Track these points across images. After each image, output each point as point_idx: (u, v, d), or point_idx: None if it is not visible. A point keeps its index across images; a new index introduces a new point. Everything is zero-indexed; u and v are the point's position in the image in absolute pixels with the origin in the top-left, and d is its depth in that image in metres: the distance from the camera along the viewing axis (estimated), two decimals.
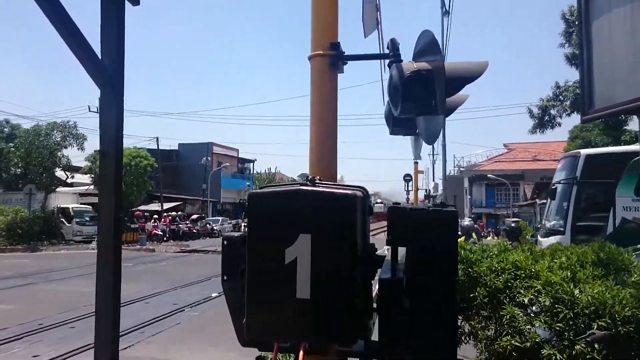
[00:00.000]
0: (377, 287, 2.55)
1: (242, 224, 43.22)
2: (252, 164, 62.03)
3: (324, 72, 3.03)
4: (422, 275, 1.61)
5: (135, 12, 2.36)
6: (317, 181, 2.35)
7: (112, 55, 2.20)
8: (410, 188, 25.93)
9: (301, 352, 2.61)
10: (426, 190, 31.37)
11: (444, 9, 20.66)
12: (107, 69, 2.17)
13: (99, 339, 2.14)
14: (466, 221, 11.23)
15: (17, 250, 23.54)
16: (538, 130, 16.06)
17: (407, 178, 28.02)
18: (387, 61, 3.36)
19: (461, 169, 44.80)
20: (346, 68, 3.16)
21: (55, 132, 28.93)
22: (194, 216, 37.62)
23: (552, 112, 16.34)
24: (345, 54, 3.04)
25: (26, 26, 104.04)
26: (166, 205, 38.29)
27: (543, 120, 15.99)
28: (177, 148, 50.73)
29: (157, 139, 40.05)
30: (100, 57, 2.15)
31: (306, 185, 2.30)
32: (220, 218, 41.08)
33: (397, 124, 3.24)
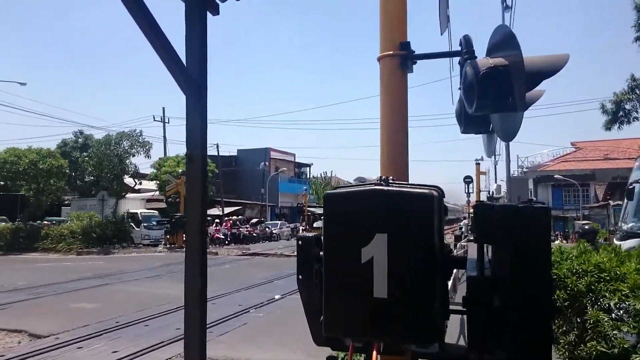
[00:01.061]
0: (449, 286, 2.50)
1: (300, 228, 43.75)
2: (308, 168, 62.70)
3: (394, 72, 3.03)
4: (515, 273, 1.57)
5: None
6: (390, 181, 2.35)
7: (196, 62, 2.32)
8: (471, 190, 25.21)
9: (374, 353, 2.62)
10: (488, 192, 30.38)
11: (504, 4, 20.01)
12: (192, 76, 2.28)
13: (189, 339, 2.24)
14: None
15: (92, 253, 25.05)
16: (613, 127, 15.11)
17: (467, 180, 27.29)
18: (456, 59, 3.32)
19: (524, 169, 43.02)
20: None
21: (124, 141, 30.62)
22: (254, 220, 38.47)
23: (627, 106, 15.33)
24: (415, 53, 3.04)
25: (96, 46, 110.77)
26: (226, 210, 39.42)
27: (617, 116, 15.04)
28: (236, 154, 52.22)
29: (217, 145, 41.38)
30: (185, 65, 2.27)
31: (381, 185, 2.31)
32: (279, 222, 41.78)
33: (470, 122, 3.18)
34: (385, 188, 2.29)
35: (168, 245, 27.62)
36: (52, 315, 9.67)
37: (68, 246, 25.70)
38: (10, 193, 30.67)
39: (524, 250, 1.58)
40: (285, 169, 51.12)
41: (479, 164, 26.31)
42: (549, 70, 2.54)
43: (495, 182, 35.99)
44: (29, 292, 12.36)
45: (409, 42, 3.03)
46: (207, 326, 8.14)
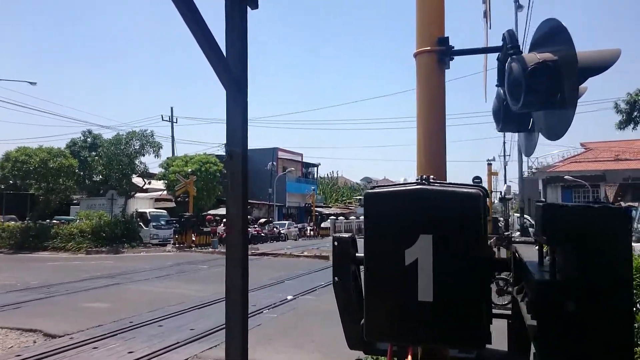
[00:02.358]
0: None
1: (308, 228, 43.68)
2: (315, 168, 62.61)
3: (432, 69, 2.94)
4: (595, 277, 1.48)
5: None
6: (431, 180, 2.27)
7: (236, 57, 2.24)
8: None
9: (409, 357, 2.54)
10: (501, 193, 30.21)
11: (517, 3, 19.83)
12: (233, 71, 2.21)
13: (230, 340, 2.17)
14: None
15: (101, 252, 25.11)
16: (627, 127, 14.95)
17: (476, 180, 27.10)
18: (494, 55, 3.23)
19: (533, 170, 42.72)
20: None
21: (134, 140, 30.68)
22: (262, 220, 38.46)
23: None
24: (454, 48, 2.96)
25: (106, 47, 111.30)
26: None
27: (632, 116, 14.88)
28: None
29: (226, 145, 41.37)
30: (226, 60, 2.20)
31: (424, 184, 2.23)
32: (287, 222, 41.74)
33: (509, 120, 3.08)
34: (430, 187, 2.21)
35: (177, 245, 27.64)
36: (65, 314, 9.65)
37: (77, 245, 25.76)
38: (19, 192, 30.82)
39: (604, 253, 1.49)
40: (292, 169, 51.09)
41: (490, 164, 26.11)
42: (600, 66, 2.44)
43: (505, 182, 35.78)
44: (41, 291, 12.36)
45: (447, 37, 2.95)
46: (223, 326, 8.08)
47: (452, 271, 2.08)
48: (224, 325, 7.49)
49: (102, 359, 6.78)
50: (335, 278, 2.57)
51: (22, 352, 7.03)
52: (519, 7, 19.34)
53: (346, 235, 2.60)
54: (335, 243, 2.58)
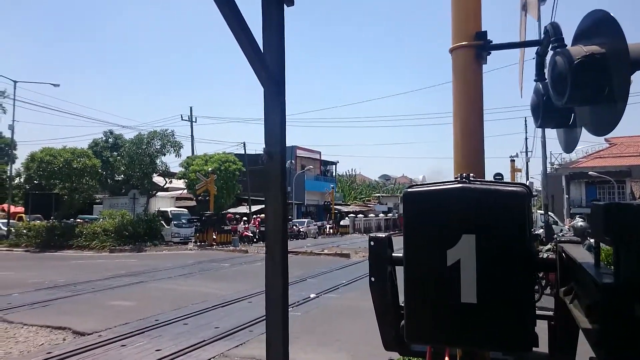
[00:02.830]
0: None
1: (327, 225, 43.68)
2: (334, 166, 62.53)
3: (469, 64, 2.86)
4: None
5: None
6: (471, 179, 2.21)
7: (274, 56, 2.20)
8: None
9: (447, 359, 2.48)
10: None
11: None
12: (271, 70, 2.17)
13: (270, 343, 2.13)
14: (579, 222, 10.38)
15: (124, 251, 25.50)
16: None
17: (497, 177, 26.71)
18: (531, 50, 3.14)
19: (556, 166, 41.97)
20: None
21: (155, 140, 31.05)
22: None
23: None
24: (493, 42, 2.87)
25: (126, 50, 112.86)
26: (254, 208, 39.65)
27: None
28: (262, 152, 52.35)
29: (244, 144, 41.69)
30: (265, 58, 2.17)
31: (465, 182, 2.17)
32: (306, 220, 41.80)
33: (549, 116, 2.98)
34: (473, 186, 2.14)
35: (199, 243, 27.90)
36: (92, 312, 9.80)
37: (101, 244, 26.22)
38: (45, 192, 31.47)
39: None
40: (311, 167, 51.13)
41: (513, 160, 25.68)
42: None
43: (527, 179, 35.19)
44: (68, 289, 12.59)
45: (485, 31, 2.87)
46: (247, 324, 8.08)
47: (497, 272, 2.02)
48: (248, 324, 7.43)
49: (131, 356, 6.85)
50: (372, 278, 2.53)
51: (53, 350, 7.15)
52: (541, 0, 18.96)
53: (382, 234, 2.55)
54: (372, 243, 2.53)
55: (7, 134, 33.68)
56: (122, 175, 34.06)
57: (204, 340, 7.57)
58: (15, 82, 30.15)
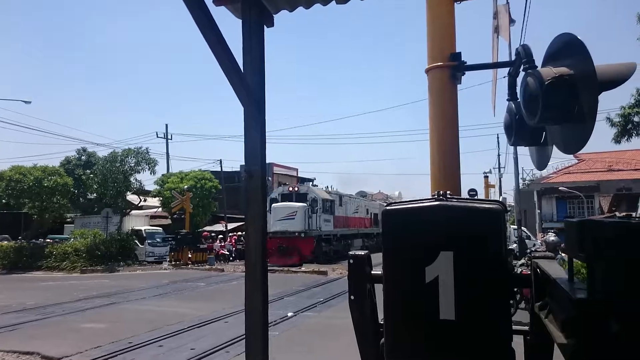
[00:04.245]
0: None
1: None
2: (310, 183, 62.51)
3: (444, 84, 2.96)
4: None
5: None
6: (448, 196, 2.25)
7: (255, 77, 2.23)
8: None
9: None
10: None
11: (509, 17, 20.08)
12: (252, 89, 2.19)
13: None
14: (551, 236, 10.61)
15: (96, 271, 24.80)
16: (622, 139, 15.09)
17: (471, 193, 27.09)
18: (503, 70, 3.25)
19: (527, 182, 42.93)
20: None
21: (129, 157, 30.56)
22: None
23: (636, 119, 15.33)
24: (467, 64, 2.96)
25: (100, 66, 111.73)
26: (230, 226, 39.19)
27: (626, 128, 15.01)
28: (238, 169, 52.15)
29: (221, 161, 41.42)
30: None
31: (442, 200, 2.21)
32: None
33: (522, 134, 3.07)
34: (450, 203, 2.19)
35: (173, 262, 27.36)
36: (62, 335, 9.47)
37: (72, 264, 25.43)
38: (13, 211, 30.50)
39: None
40: (288, 183, 51.02)
41: (487, 176, 26.15)
42: (618, 79, 2.45)
43: (500, 195, 35.85)
44: (37, 312, 12.15)
45: (459, 52, 2.96)
46: (224, 344, 7.93)
47: (475, 288, 2.05)
48: (224, 345, 7.30)
49: None
50: (351, 297, 2.53)
51: None
52: (511, 21, 19.59)
53: (362, 252, 2.57)
54: (351, 261, 2.54)
55: None
56: (94, 194, 33.32)
57: None
58: None
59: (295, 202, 27.05)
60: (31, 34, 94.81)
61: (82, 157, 37.14)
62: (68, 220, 36.38)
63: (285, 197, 28.20)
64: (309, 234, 25.84)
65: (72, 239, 28.43)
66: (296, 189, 28.76)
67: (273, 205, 26.89)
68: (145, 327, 10.08)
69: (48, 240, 29.96)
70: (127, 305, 13.36)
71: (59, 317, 11.60)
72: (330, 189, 33.53)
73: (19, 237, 29.38)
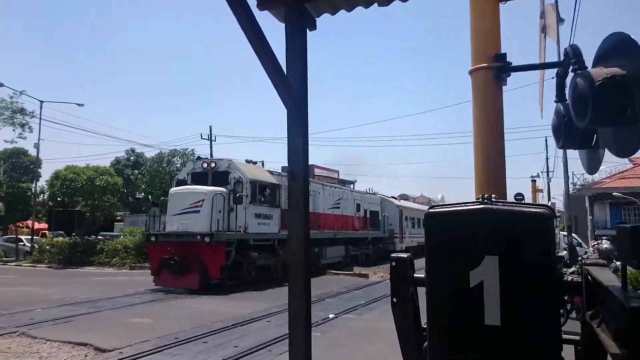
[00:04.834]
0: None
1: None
2: (352, 185, 62.33)
3: (489, 85, 2.91)
4: None
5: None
6: (493, 200, 2.21)
7: (297, 78, 2.27)
8: None
9: None
10: None
11: (558, 16, 19.39)
12: (294, 91, 2.24)
13: None
14: (605, 244, 10.14)
15: (144, 268, 25.64)
16: None
17: (518, 197, 26.34)
18: (551, 71, 3.16)
19: (577, 187, 41.18)
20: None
21: (176, 158, 31.58)
22: None
23: None
24: (512, 65, 2.90)
25: (147, 69, 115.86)
26: None
27: None
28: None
29: (262, 163, 41.90)
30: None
31: (487, 203, 2.17)
32: None
33: (571, 137, 2.98)
34: (495, 207, 2.15)
35: None
36: (113, 329, 9.88)
37: (122, 261, 26.48)
38: (67, 209, 32.08)
39: None
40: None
41: (534, 180, 25.33)
42: None
43: (549, 200, 34.60)
44: (89, 306, 12.73)
45: (504, 53, 2.91)
46: (265, 344, 8.03)
47: (521, 295, 2.01)
48: (267, 344, 7.40)
49: None
50: (394, 299, 2.53)
51: None
52: (559, 20, 18.91)
53: (404, 255, 2.56)
54: (393, 263, 2.54)
55: (32, 152, 34.59)
56: (142, 193, 34.59)
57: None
58: (41, 102, 31.05)
59: (210, 185, 16.75)
60: (73, 38, 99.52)
61: (131, 158, 38.65)
62: (118, 218, 37.92)
63: (198, 178, 17.65)
64: (219, 238, 15.35)
65: (122, 237, 29.61)
66: (212, 164, 17.58)
67: (171, 190, 17.62)
68: (191, 323, 10.35)
69: (99, 237, 31.35)
70: (173, 302, 13.78)
71: (109, 311, 12.11)
72: (371, 191, 30.97)
73: (73, 234, 30.86)
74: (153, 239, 16.88)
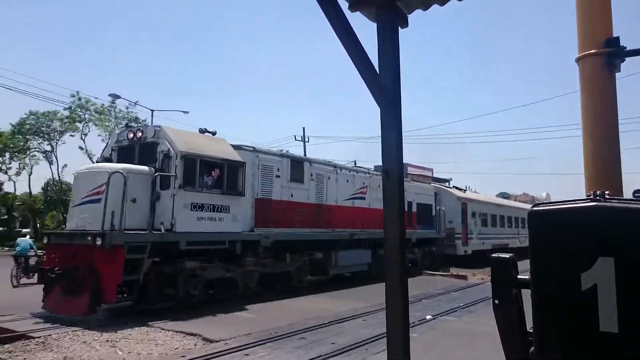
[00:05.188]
0: None
1: None
2: (447, 183, 60.50)
3: (599, 73, 2.68)
4: None
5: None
6: (607, 196, 2.04)
7: (390, 77, 2.28)
8: None
9: None
10: None
11: None
12: (387, 90, 2.25)
13: None
14: None
15: None
16: None
17: (637, 195, 23.77)
18: None
19: None
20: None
21: None
22: None
23: None
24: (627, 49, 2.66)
25: (242, 74, 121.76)
26: None
27: None
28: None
29: (355, 162, 42.14)
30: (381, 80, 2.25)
31: (599, 201, 2.01)
32: None
33: None
34: (608, 204, 1.99)
35: None
36: (219, 321, 10.55)
37: None
38: None
39: None
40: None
41: None
42: None
43: None
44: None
45: (617, 37, 2.67)
46: (362, 342, 8.08)
47: None
48: (363, 342, 7.43)
49: None
50: (496, 301, 2.44)
51: (186, 354, 7.83)
52: None
53: (506, 255, 2.46)
54: (495, 264, 2.45)
55: None
56: None
57: (321, 355, 7.74)
58: (152, 110, 33.74)
59: (137, 163, 11.82)
60: (189, 50, 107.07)
61: None
62: None
63: (124, 154, 12.54)
64: (114, 240, 10.18)
65: None
66: (139, 134, 12.33)
67: (75, 172, 12.38)
68: (288, 320, 10.72)
69: None
70: (267, 296, 14.36)
71: (216, 304, 12.92)
72: (468, 190, 26.91)
73: None
74: (46, 239, 11.76)
